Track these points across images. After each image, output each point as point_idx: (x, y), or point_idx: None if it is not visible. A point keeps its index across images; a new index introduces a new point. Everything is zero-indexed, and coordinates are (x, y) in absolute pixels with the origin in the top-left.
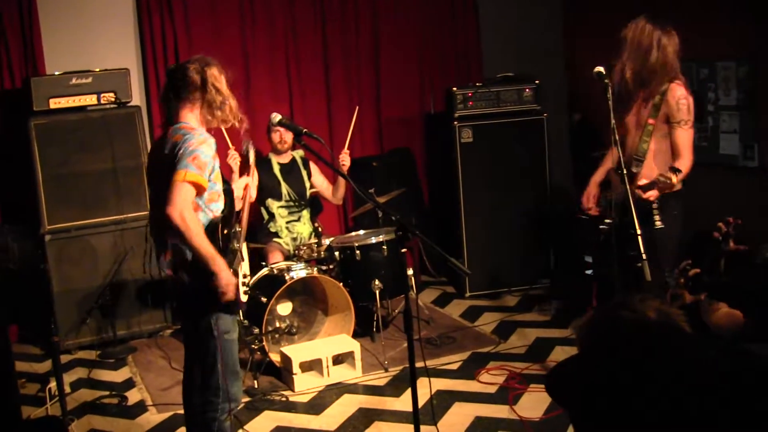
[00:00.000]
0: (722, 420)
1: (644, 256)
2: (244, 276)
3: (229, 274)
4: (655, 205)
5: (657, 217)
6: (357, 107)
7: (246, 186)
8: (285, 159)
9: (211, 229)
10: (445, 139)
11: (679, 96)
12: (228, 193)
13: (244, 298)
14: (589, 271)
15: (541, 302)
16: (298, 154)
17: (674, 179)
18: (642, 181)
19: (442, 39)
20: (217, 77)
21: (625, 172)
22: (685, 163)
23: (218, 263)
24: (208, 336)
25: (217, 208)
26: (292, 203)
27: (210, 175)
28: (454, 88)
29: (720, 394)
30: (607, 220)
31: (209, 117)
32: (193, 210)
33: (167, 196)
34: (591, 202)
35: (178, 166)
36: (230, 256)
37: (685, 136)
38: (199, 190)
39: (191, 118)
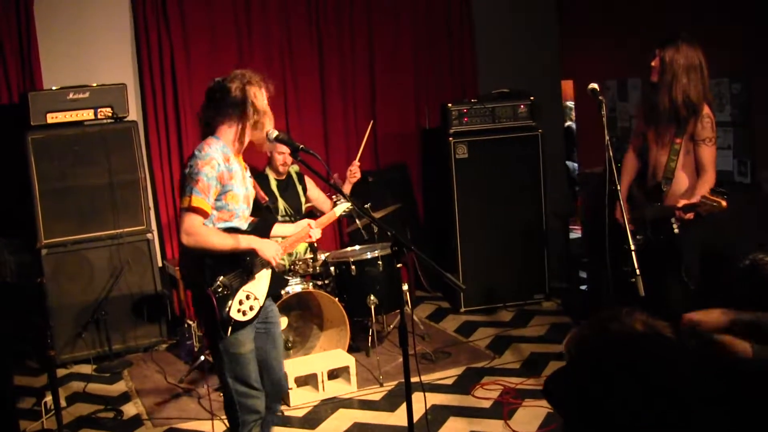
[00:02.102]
0: (709, 427)
1: (638, 272)
2: (247, 297)
3: (264, 244)
4: (673, 219)
5: (675, 225)
6: (372, 121)
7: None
8: (282, 176)
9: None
10: (441, 154)
11: (705, 114)
12: (264, 218)
13: (239, 316)
14: (583, 287)
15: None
16: (293, 169)
17: (723, 203)
18: (682, 202)
19: (438, 55)
20: (257, 95)
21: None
22: (711, 178)
23: (246, 243)
24: (216, 352)
25: (232, 225)
26: (288, 218)
27: (218, 197)
28: (450, 104)
29: (707, 402)
30: (638, 237)
31: (246, 137)
32: None
33: (179, 222)
34: (626, 216)
35: (185, 191)
36: (236, 276)
37: (710, 153)
38: (203, 214)
39: (229, 133)
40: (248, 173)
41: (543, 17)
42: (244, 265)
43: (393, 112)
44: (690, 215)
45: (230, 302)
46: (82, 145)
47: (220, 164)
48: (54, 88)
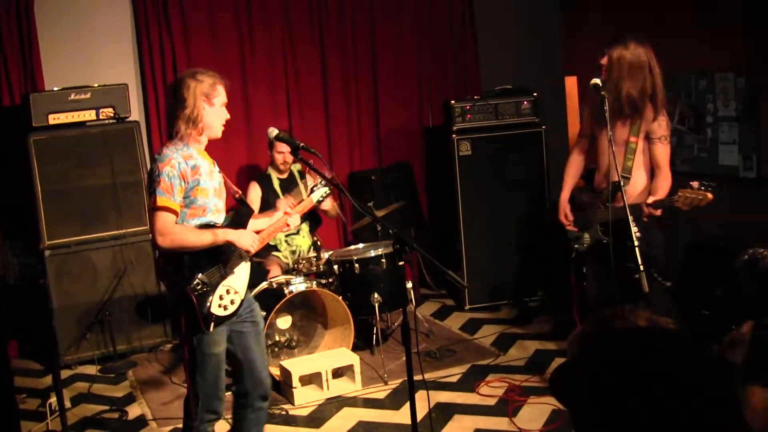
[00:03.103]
0: (716, 419)
1: (641, 268)
2: (227, 292)
3: (239, 234)
4: (631, 218)
5: (635, 228)
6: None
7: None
8: (284, 174)
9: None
10: (444, 152)
11: (660, 113)
12: (239, 212)
13: (220, 311)
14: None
15: (541, 314)
16: (296, 168)
17: (710, 196)
18: (651, 199)
19: (440, 52)
20: (191, 88)
21: (622, 186)
22: (668, 176)
23: (222, 236)
24: (190, 351)
25: (206, 221)
26: None
27: (184, 194)
28: (452, 102)
29: (715, 395)
30: (587, 237)
31: (196, 133)
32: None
33: (150, 225)
34: (570, 217)
35: (150, 193)
36: (214, 271)
37: (665, 152)
38: (172, 212)
39: (182, 131)
40: (216, 168)
41: (545, 13)
42: (222, 259)
43: (396, 110)
44: (659, 212)
45: (210, 298)
46: (84, 146)
47: (180, 162)
48: (55, 89)
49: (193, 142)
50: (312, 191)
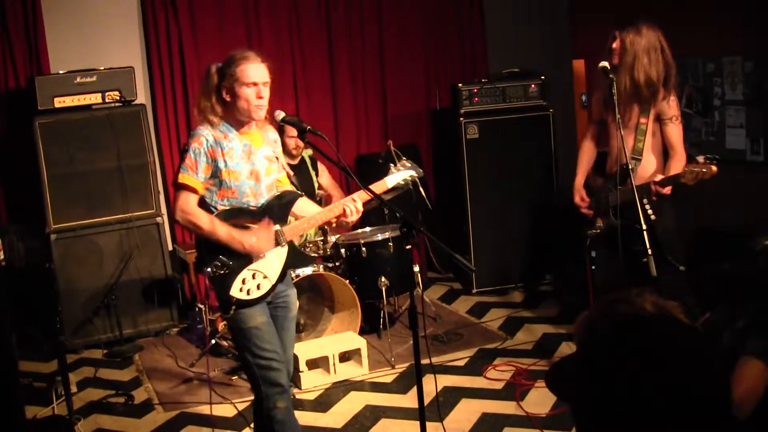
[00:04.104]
0: (720, 410)
1: (650, 252)
2: (253, 276)
3: (250, 242)
4: (645, 200)
5: (650, 210)
6: (390, 141)
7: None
8: (295, 160)
9: (222, 218)
10: (451, 135)
11: (670, 94)
12: (281, 195)
13: (242, 295)
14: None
15: (548, 298)
16: (307, 153)
17: (714, 168)
18: (659, 177)
19: (448, 35)
20: (211, 73)
21: (631, 168)
22: (682, 157)
23: (236, 240)
24: (232, 329)
25: (240, 204)
26: None
27: (212, 173)
28: (460, 85)
29: (718, 383)
30: (599, 223)
31: (229, 112)
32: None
33: (173, 199)
34: (586, 200)
35: (177, 168)
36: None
37: (678, 132)
38: (191, 191)
39: (221, 111)
40: (264, 148)
41: None
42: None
43: (403, 92)
44: (668, 189)
45: (231, 281)
46: (90, 129)
47: (208, 140)
48: (61, 72)
49: (234, 124)
50: (390, 173)
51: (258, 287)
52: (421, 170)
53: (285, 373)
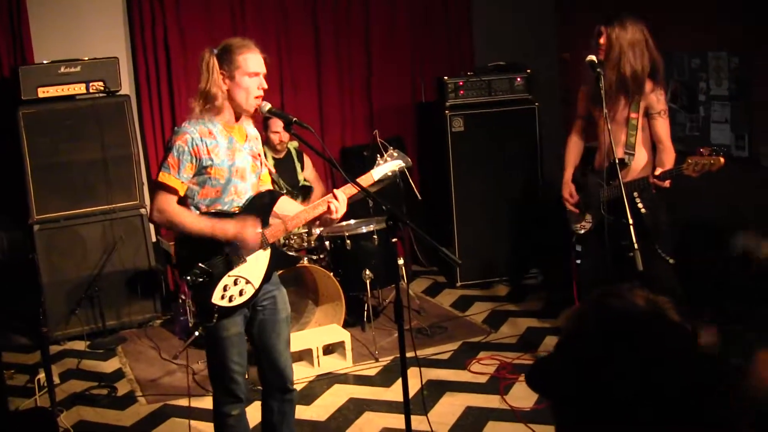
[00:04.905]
0: (705, 410)
1: (636, 246)
2: (235, 282)
3: (236, 228)
4: (635, 193)
5: (641, 204)
6: (376, 131)
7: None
8: (280, 154)
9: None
10: (437, 128)
11: (658, 88)
12: (262, 195)
13: (223, 302)
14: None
15: (533, 292)
16: (293, 145)
17: (722, 159)
18: (658, 170)
19: (434, 27)
20: (207, 62)
21: (623, 162)
22: (671, 149)
23: (220, 231)
24: (206, 337)
25: (222, 204)
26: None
27: (196, 172)
28: (446, 77)
29: (703, 382)
30: (588, 219)
31: (218, 107)
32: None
33: (150, 198)
34: (575, 196)
35: (159, 164)
36: (219, 261)
37: (665, 126)
38: (171, 192)
39: (194, 109)
40: (248, 145)
41: None
42: (230, 248)
43: (389, 85)
44: (667, 183)
45: (211, 289)
46: (74, 119)
47: (194, 138)
48: (45, 62)
49: (219, 118)
50: (377, 165)
51: (241, 293)
52: (408, 159)
53: (244, 386)
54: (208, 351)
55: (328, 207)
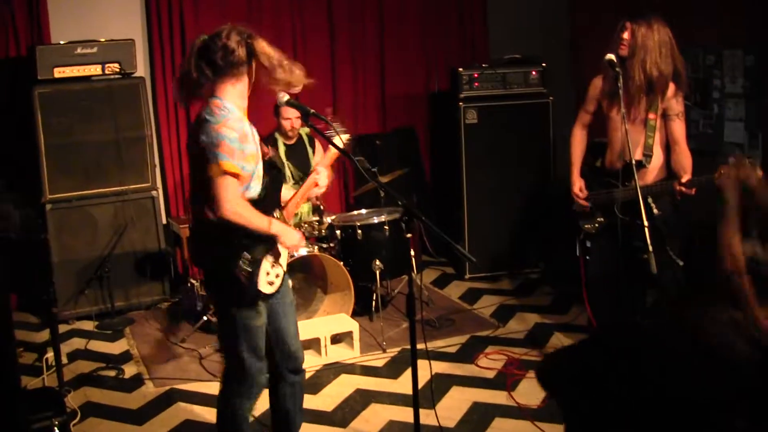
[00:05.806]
0: (708, 413)
1: (650, 248)
2: (272, 266)
3: (287, 232)
4: (650, 198)
5: (653, 205)
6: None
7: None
8: (292, 140)
9: None
10: (450, 119)
11: (678, 90)
12: (274, 177)
13: (267, 288)
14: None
15: (541, 286)
16: (304, 131)
17: (760, 172)
18: (685, 178)
19: (449, 18)
20: (264, 46)
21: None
22: (687, 151)
23: (277, 229)
24: (230, 324)
25: (249, 190)
26: (296, 184)
27: (241, 158)
28: (460, 69)
29: (707, 389)
30: (598, 217)
31: (247, 94)
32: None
33: (212, 195)
34: (585, 192)
35: (210, 158)
36: (260, 246)
37: (682, 127)
38: (237, 178)
39: (233, 93)
40: (254, 129)
41: None
42: (266, 235)
43: (402, 74)
44: (693, 190)
45: (258, 276)
46: (88, 100)
47: (236, 124)
48: (62, 42)
49: (238, 103)
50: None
51: (277, 276)
52: (345, 135)
53: (265, 375)
54: (233, 343)
55: (315, 183)
